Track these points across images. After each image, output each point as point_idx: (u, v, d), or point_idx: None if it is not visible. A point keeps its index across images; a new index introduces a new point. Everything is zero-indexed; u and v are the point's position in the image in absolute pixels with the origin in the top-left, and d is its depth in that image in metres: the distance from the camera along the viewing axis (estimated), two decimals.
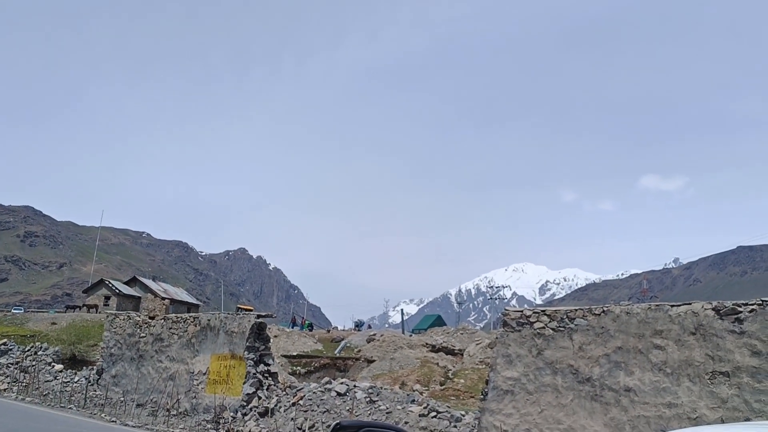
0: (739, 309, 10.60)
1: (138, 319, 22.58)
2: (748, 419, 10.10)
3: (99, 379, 22.93)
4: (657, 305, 11.73)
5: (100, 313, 54.02)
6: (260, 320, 19.45)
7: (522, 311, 13.43)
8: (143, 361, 21.38)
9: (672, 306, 11.51)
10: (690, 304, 11.34)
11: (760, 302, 10.46)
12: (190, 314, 22.26)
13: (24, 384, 25.51)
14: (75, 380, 25.75)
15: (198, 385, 19.38)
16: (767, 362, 10.09)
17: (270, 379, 18.92)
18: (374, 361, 34.56)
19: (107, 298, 74.58)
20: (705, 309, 10.98)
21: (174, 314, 23.54)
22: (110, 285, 77.81)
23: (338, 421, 1.62)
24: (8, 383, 25.90)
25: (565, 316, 12.67)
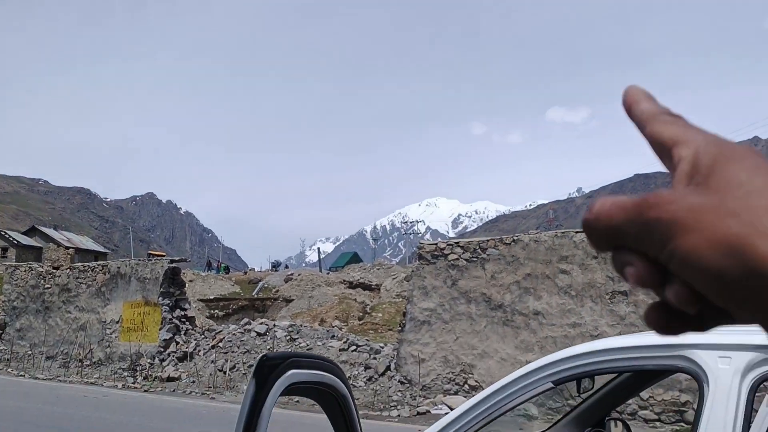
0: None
1: (41, 270, 21.54)
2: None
3: (2, 333, 21.87)
4: (563, 232, 12.29)
5: None
6: (174, 265, 18.99)
7: (436, 244, 13.74)
8: (50, 313, 20.53)
9: (576, 232, 12.09)
10: None
11: None
12: (99, 263, 21.42)
13: None
14: None
15: (111, 333, 18.86)
16: None
17: (187, 323, 18.66)
18: (293, 300, 34.69)
19: (4, 249, 70.49)
20: None
21: (81, 263, 22.59)
22: (7, 236, 73.45)
23: (264, 354, 1.59)
24: None
25: (477, 247, 13.07)
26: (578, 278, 11.79)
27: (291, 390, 1.52)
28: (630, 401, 9.58)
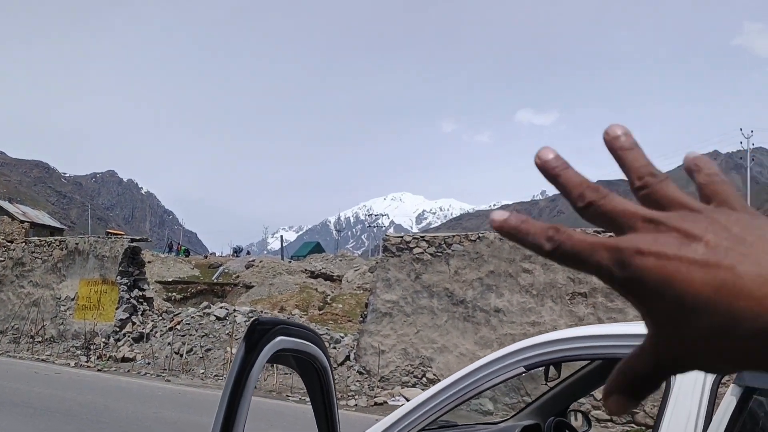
0: (599, 235, 11.50)
1: None
2: None
3: None
4: None
5: None
6: (134, 245, 18.67)
7: (402, 237, 13.80)
8: (2, 287, 19.99)
9: None
10: None
11: None
12: (56, 237, 20.94)
13: None
14: None
15: (66, 311, 18.47)
16: None
17: (145, 304, 18.38)
18: (253, 286, 34.45)
19: None
20: None
21: (37, 238, 22.04)
22: None
23: (257, 317, 1.60)
24: None
25: (443, 242, 13.17)
26: (540, 278, 11.99)
27: (276, 357, 1.53)
28: (584, 400, 9.80)
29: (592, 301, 11.33)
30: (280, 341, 1.49)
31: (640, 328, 2.15)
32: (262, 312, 17.58)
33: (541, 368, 2.45)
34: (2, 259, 20.20)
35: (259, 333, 1.44)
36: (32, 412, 9.05)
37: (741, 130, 69.31)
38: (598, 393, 10.44)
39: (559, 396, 3.23)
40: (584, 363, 3.07)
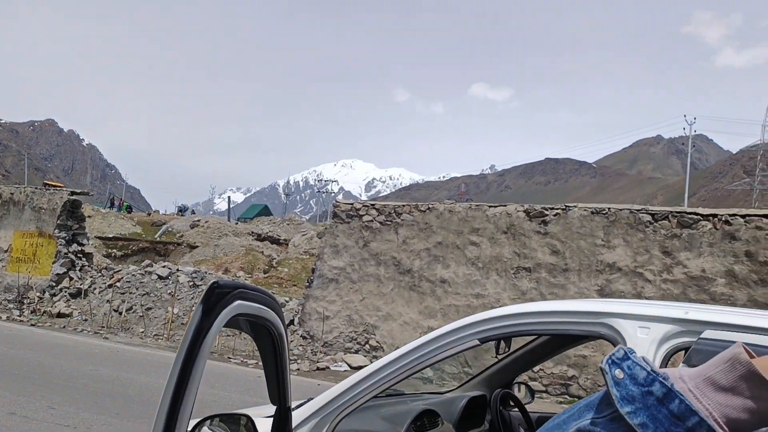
0: (546, 212, 11.72)
1: None
2: None
3: None
4: (477, 205, 12.59)
5: None
6: (74, 198, 18.07)
7: (352, 204, 13.75)
8: None
9: (490, 206, 12.43)
10: (506, 205, 12.32)
11: (564, 207, 11.64)
12: None
13: None
14: None
15: None
16: (563, 260, 11.37)
17: (84, 259, 17.88)
18: (197, 247, 33.89)
19: None
20: (518, 211, 11.99)
21: None
22: None
23: (215, 280, 1.55)
24: None
25: (392, 211, 13.19)
26: (486, 251, 12.16)
27: (233, 321, 1.48)
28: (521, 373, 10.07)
29: (536, 276, 11.57)
30: (238, 305, 1.44)
31: (586, 305, 2.18)
32: (206, 273, 17.33)
33: (493, 341, 2.47)
34: None
35: (217, 296, 1.38)
36: None
37: (685, 116, 71.49)
38: (539, 366, 10.76)
39: (505, 369, 3.28)
40: (532, 338, 3.13)
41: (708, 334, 1.76)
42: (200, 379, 1.38)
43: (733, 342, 1.74)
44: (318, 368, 12.00)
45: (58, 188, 20.56)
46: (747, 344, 1.61)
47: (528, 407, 3.34)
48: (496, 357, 3.08)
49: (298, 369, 11.79)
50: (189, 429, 1.99)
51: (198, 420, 2.03)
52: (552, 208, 11.77)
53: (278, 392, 1.90)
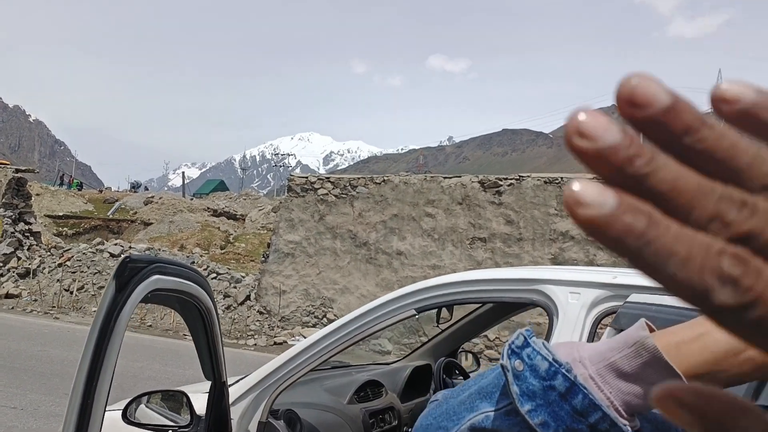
0: (500, 183, 11.84)
1: None
2: None
3: None
4: (432, 177, 12.64)
5: None
6: (19, 175, 17.49)
7: (307, 177, 13.65)
8: None
9: (445, 178, 12.49)
10: (460, 177, 12.40)
11: (517, 177, 11.77)
12: None
13: None
14: None
15: None
16: (517, 230, 11.54)
17: (32, 238, 17.37)
18: (152, 224, 33.29)
19: None
20: (472, 182, 12.08)
21: None
22: None
23: (128, 255, 1.50)
24: None
25: (348, 184, 13.14)
26: (442, 222, 12.25)
27: (154, 297, 1.44)
28: (478, 341, 10.24)
29: (491, 246, 11.72)
30: (156, 280, 1.40)
31: (519, 272, 2.21)
32: (159, 250, 17.07)
33: (432, 310, 2.48)
34: None
35: (130, 271, 1.34)
36: None
37: None
38: (491, 333, 10.94)
39: (450, 338, 3.31)
40: (475, 306, 3.16)
41: (634, 297, 1.79)
42: (117, 357, 1.34)
43: (657, 306, 1.78)
44: (275, 343, 11.99)
45: (3, 165, 19.87)
46: (669, 306, 1.65)
47: (474, 375, 3.39)
48: (437, 326, 3.11)
49: (255, 344, 11.76)
50: (123, 407, 1.95)
51: (132, 398, 1.99)
52: (506, 179, 11.89)
53: (212, 367, 1.88)
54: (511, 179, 11.80)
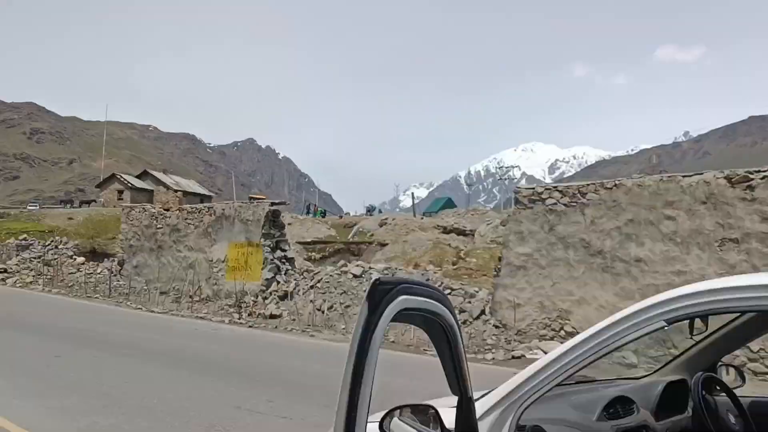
0: (751, 176, 10.55)
1: (153, 211, 22.92)
2: None
3: (121, 269, 23.65)
4: (669, 176, 11.69)
5: (115, 207, 54.64)
6: (274, 208, 19.72)
7: (534, 188, 13.45)
8: (162, 251, 21.91)
9: (684, 177, 11.47)
10: (702, 174, 11.29)
11: None
12: (205, 204, 22.56)
13: (49, 277, 26.37)
14: (98, 272, 26.57)
15: (218, 272, 19.95)
16: None
17: (287, 264, 19.42)
18: (387, 244, 35.15)
19: (120, 192, 75.42)
20: (717, 178, 10.94)
21: (188, 205, 23.85)
22: (122, 179, 78.44)
23: (377, 278, 1.65)
24: (33, 276, 26.78)
25: (577, 192, 12.69)
26: (684, 224, 11.24)
27: (401, 316, 1.54)
28: (738, 353, 9.17)
29: (746, 247, 10.46)
30: (403, 300, 1.50)
31: None
32: (396, 269, 17.99)
33: (684, 321, 2.30)
34: (161, 226, 22.08)
35: (380, 293, 1.45)
36: (201, 367, 9.93)
37: None
38: (754, 345, 9.71)
39: (706, 350, 3.03)
40: (733, 316, 2.85)
41: None
42: (374, 373, 1.46)
43: None
44: (513, 357, 11.90)
45: (261, 201, 22.59)
46: None
47: (739, 391, 3.04)
48: (691, 338, 2.85)
49: (493, 358, 11.79)
50: (379, 419, 2.10)
51: (386, 411, 2.13)
52: (758, 171, 10.56)
53: (457, 382, 1.94)
54: (764, 171, 10.45)
